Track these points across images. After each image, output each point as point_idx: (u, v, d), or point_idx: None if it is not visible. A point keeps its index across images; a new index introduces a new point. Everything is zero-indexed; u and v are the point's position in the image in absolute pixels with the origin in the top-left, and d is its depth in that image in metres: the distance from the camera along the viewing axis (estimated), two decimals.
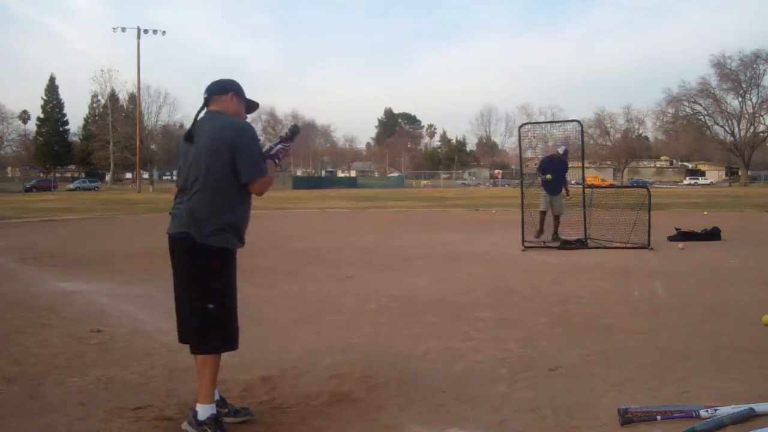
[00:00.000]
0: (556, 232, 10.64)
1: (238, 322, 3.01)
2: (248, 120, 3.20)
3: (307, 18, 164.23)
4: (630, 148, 76.15)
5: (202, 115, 2.99)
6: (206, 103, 3.01)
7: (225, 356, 2.96)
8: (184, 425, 2.91)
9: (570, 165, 11.33)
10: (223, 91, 3.01)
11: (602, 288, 6.49)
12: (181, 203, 2.93)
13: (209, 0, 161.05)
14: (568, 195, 10.72)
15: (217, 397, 3.03)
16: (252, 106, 3.16)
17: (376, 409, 3.19)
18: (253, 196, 3.02)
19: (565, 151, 10.89)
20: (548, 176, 10.52)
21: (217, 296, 2.87)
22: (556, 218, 10.71)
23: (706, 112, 69.67)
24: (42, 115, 76.15)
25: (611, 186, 31.27)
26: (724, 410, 2.92)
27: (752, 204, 23.54)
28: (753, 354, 4.01)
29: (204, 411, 2.85)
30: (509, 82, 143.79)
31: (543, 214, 10.68)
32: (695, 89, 68.33)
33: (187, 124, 3.06)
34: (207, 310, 2.84)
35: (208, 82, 3.06)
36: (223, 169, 2.85)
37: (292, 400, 3.31)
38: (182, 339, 3.03)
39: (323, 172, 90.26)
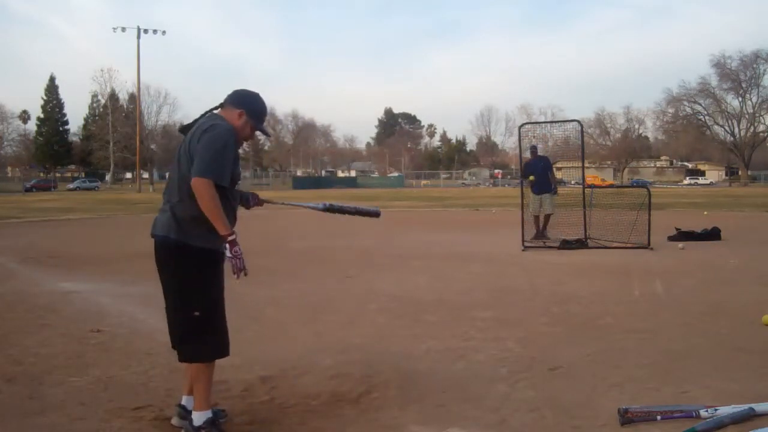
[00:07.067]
0: (544, 230, 10.66)
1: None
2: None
3: (307, 18, 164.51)
4: (630, 148, 76.14)
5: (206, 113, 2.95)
6: (220, 105, 2.98)
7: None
8: (175, 421, 2.95)
9: (569, 165, 11.33)
10: (237, 105, 2.91)
11: (602, 288, 6.49)
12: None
13: (209, 0, 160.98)
14: (555, 193, 10.74)
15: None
16: (262, 132, 3.06)
17: (376, 409, 3.19)
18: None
19: (533, 148, 10.96)
20: (531, 177, 10.68)
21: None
22: (546, 217, 10.75)
23: (706, 112, 69.66)
24: (42, 115, 76.09)
25: (611, 186, 31.23)
26: (724, 410, 2.92)
27: (752, 204, 23.53)
28: (753, 354, 4.01)
29: (199, 417, 2.84)
30: (509, 82, 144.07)
31: (536, 217, 10.73)
32: (695, 89, 68.42)
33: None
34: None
35: (236, 90, 2.98)
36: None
37: (292, 400, 3.31)
38: None
39: (323, 172, 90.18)
